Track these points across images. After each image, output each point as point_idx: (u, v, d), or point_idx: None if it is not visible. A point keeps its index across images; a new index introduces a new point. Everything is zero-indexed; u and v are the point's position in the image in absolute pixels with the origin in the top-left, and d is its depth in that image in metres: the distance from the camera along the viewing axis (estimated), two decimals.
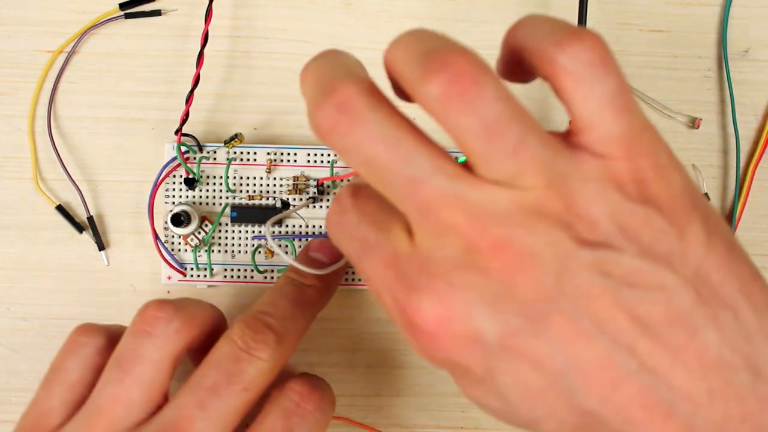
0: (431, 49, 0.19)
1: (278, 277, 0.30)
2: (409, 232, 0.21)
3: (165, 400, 0.26)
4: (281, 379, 0.28)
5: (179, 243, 0.33)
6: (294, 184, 0.33)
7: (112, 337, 0.28)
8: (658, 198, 0.20)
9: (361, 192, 0.23)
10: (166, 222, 0.32)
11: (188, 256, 0.33)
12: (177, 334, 0.27)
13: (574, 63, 0.19)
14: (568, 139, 0.21)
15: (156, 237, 0.33)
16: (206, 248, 0.33)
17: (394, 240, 0.21)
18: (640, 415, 0.19)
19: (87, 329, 0.28)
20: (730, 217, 0.34)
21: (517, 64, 0.22)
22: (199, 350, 0.28)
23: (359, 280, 0.33)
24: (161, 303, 0.27)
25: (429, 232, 0.20)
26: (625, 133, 0.20)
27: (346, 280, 0.33)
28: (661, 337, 0.19)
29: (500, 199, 0.19)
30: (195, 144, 0.33)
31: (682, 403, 0.19)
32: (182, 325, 0.27)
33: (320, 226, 0.33)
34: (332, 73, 0.21)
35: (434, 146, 0.20)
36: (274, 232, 0.33)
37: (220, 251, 0.33)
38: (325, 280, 0.30)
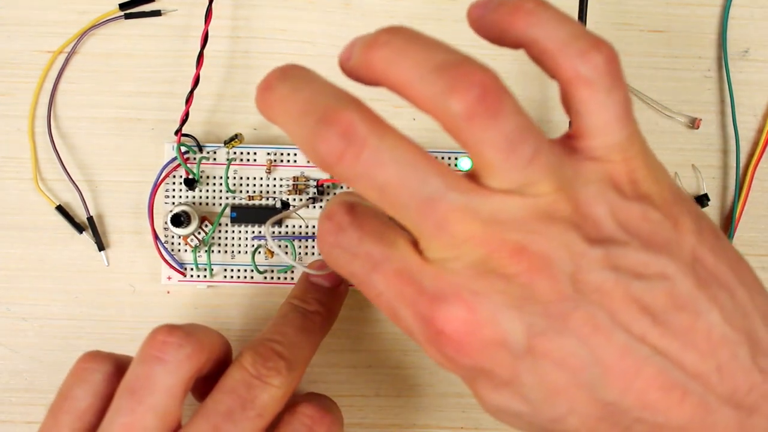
0: (448, 63, 0.19)
1: (281, 306, 0.30)
2: (415, 244, 0.21)
3: (178, 426, 0.26)
4: (291, 401, 0.28)
5: (179, 243, 0.33)
6: (294, 184, 0.33)
7: (120, 364, 0.27)
8: (650, 194, 0.21)
9: (358, 209, 0.22)
10: (166, 222, 0.32)
11: (188, 257, 0.33)
12: (188, 360, 0.26)
13: (594, 74, 0.20)
14: (565, 142, 0.22)
15: (156, 237, 0.33)
16: (206, 248, 0.33)
17: (401, 254, 0.21)
18: (658, 399, 0.20)
19: (94, 356, 0.27)
20: (730, 217, 0.34)
21: (501, 38, 0.21)
22: (203, 378, 0.28)
23: None
24: (171, 328, 0.26)
25: (444, 245, 0.20)
26: (625, 141, 0.21)
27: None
28: (670, 323, 0.20)
29: (513, 207, 0.20)
30: (195, 144, 0.33)
31: (695, 381, 0.20)
32: (193, 351, 0.26)
33: None
34: (323, 99, 0.20)
35: (438, 162, 0.20)
36: (273, 233, 0.33)
37: (220, 251, 0.33)
38: (328, 305, 0.30)
